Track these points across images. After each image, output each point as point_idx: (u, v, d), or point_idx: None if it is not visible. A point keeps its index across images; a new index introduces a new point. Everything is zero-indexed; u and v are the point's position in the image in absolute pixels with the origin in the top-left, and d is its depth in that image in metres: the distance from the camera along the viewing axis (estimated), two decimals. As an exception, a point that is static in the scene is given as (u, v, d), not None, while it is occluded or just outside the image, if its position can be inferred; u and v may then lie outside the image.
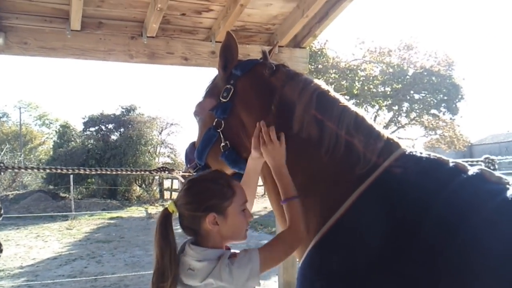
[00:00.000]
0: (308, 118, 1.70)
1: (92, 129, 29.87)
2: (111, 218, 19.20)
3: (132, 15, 3.45)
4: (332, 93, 1.78)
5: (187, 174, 2.29)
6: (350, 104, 1.75)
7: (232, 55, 1.97)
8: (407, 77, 24.40)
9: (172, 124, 33.72)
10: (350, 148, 1.61)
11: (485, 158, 3.98)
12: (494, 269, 1.18)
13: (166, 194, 28.89)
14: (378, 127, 1.70)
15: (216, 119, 1.94)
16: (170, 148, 33.46)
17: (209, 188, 1.59)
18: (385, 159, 1.55)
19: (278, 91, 1.81)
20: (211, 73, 2.27)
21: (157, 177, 28.11)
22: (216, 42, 3.77)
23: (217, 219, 1.55)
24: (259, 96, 1.85)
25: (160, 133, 33.27)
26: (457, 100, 24.94)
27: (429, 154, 1.54)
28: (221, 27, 3.57)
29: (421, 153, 1.56)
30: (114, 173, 5.36)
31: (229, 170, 2.01)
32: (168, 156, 33.44)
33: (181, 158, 32.91)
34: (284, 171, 1.70)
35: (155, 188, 29.19)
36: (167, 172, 4.11)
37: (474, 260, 1.22)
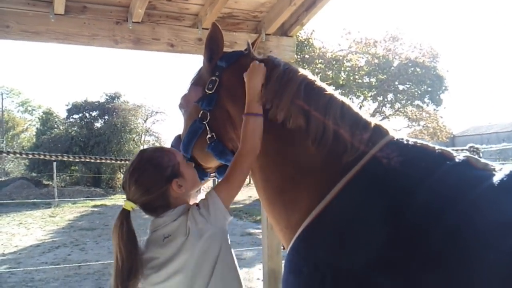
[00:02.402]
0: (295, 108, 1.70)
1: (76, 116, 29.56)
2: (95, 206, 19.10)
3: (117, 0, 3.40)
4: (318, 83, 1.78)
5: None
6: (337, 94, 1.76)
7: (218, 47, 1.95)
8: (392, 68, 24.58)
9: (157, 112, 33.59)
10: (337, 137, 1.62)
11: (470, 147, 4.02)
12: (480, 255, 1.19)
13: (151, 182, 28.73)
14: (365, 115, 1.70)
15: (201, 111, 1.93)
16: (155, 137, 33.35)
17: (156, 164, 1.69)
18: (372, 147, 1.55)
19: (264, 82, 1.81)
20: (197, 60, 2.26)
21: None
22: (203, 29, 3.72)
23: (179, 182, 1.69)
24: (245, 87, 1.84)
25: (145, 121, 33.13)
26: (440, 92, 25.24)
27: (415, 142, 1.55)
28: (208, 13, 3.53)
29: (408, 140, 1.57)
30: (98, 161, 5.32)
31: (215, 162, 2.01)
32: (153, 145, 33.28)
33: (166, 146, 32.74)
34: (258, 89, 1.77)
35: (139, 176, 29.07)
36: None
37: (460, 245, 1.23)
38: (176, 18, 3.72)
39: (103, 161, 5.20)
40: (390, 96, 25.86)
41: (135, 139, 30.30)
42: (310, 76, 1.81)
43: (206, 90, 1.93)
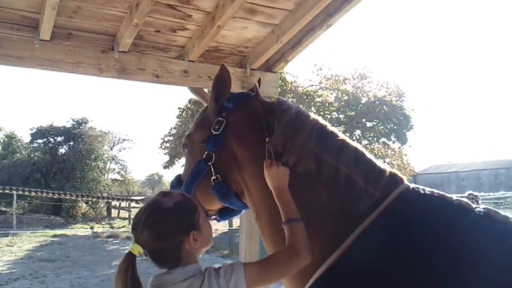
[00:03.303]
0: (306, 152, 1.68)
1: (40, 141, 28.77)
2: (55, 236, 18.37)
3: (104, 28, 3.35)
4: (330, 127, 1.78)
5: None
6: (349, 139, 1.75)
7: (225, 88, 1.94)
8: (360, 105, 25.17)
9: (124, 139, 33.01)
10: (351, 183, 1.59)
11: (469, 194, 4.06)
12: None
13: (114, 212, 28.00)
14: (379, 162, 1.69)
15: (206, 152, 1.89)
16: (121, 165, 32.67)
17: (178, 210, 1.54)
18: (388, 195, 1.53)
19: (274, 125, 1.79)
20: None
21: (105, 195, 27.17)
22: (189, 61, 3.72)
23: (195, 236, 1.53)
24: (253, 129, 1.83)
25: (111, 148, 32.48)
26: (406, 130, 25.93)
27: (432, 191, 1.54)
28: (196, 46, 3.54)
29: (424, 189, 1.55)
30: (80, 198, 5.13)
31: (218, 205, 1.97)
32: (118, 173, 32.61)
33: (132, 175, 32.15)
34: (286, 192, 1.65)
35: (102, 205, 28.09)
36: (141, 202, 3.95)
37: None
38: (163, 49, 3.71)
39: (62, 196, 5.00)
40: (357, 132, 26.39)
41: (100, 166, 29.55)
42: (322, 120, 1.80)
43: (212, 131, 1.90)
